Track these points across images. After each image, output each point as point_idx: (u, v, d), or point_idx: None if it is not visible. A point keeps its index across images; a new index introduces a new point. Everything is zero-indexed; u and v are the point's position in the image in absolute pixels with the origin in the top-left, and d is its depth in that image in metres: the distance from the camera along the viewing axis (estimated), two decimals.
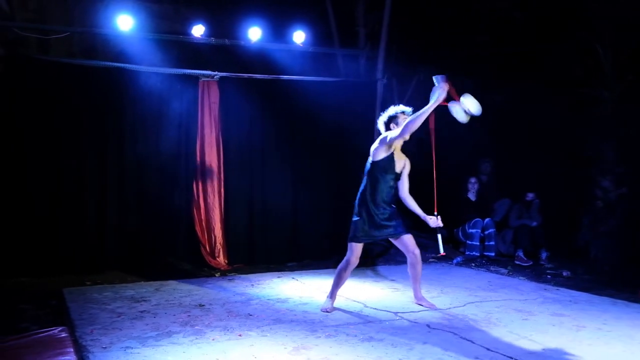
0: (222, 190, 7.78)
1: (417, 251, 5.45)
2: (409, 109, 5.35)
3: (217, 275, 7.21)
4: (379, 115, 5.56)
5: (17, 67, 6.92)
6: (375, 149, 5.30)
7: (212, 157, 7.73)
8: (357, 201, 5.41)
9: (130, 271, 7.06)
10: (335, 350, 4.29)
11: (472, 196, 9.03)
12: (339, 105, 8.25)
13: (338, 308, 5.49)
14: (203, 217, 7.66)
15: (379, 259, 8.13)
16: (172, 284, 6.54)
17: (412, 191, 5.50)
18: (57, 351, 4.00)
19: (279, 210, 8.06)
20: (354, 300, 5.82)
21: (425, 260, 5.64)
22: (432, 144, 5.44)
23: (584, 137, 8.43)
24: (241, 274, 7.22)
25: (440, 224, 5.45)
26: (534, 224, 8.53)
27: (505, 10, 8.73)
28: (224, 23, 8.18)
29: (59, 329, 4.48)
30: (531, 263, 8.14)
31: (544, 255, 8.30)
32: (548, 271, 7.70)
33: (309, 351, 4.27)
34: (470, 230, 8.62)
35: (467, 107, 5.06)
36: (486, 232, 8.60)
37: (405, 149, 5.47)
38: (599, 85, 8.13)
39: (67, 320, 5.05)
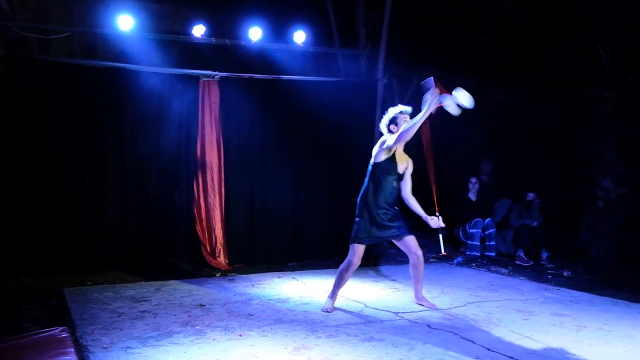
0: (223, 190, 7.77)
1: (420, 252, 5.45)
2: (407, 109, 5.36)
3: (217, 275, 7.21)
4: (380, 115, 5.58)
5: (17, 67, 6.93)
6: (377, 152, 5.32)
7: (212, 157, 7.73)
8: (358, 203, 5.40)
9: (131, 271, 7.06)
10: (336, 350, 4.29)
11: (472, 196, 9.03)
12: (339, 105, 8.25)
13: (339, 308, 5.49)
14: (203, 217, 7.66)
15: (380, 259, 8.12)
16: (173, 284, 6.54)
17: (413, 191, 5.51)
18: (57, 351, 4.00)
19: (280, 210, 8.07)
20: (355, 300, 5.82)
21: (425, 260, 5.64)
22: (427, 154, 5.44)
23: (584, 137, 8.43)
24: (242, 274, 7.23)
25: (442, 225, 5.46)
26: (535, 224, 8.53)
27: (506, 10, 8.74)
28: (225, 23, 8.18)
29: (60, 329, 4.49)
30: (532, 263, 8.14)
31: (544, 255, 8.30)
32: (549, 271, 7.70)
33: (309, 351, 4.27)
34: (471, 230, 8.62)
35: (460, 101, 5.03)
36: (487, 232, 8.60)
37: (406, 149, 5.48)
38: (599, 85, 8.13)
39: (68, 320, 5.06)
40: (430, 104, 4.94)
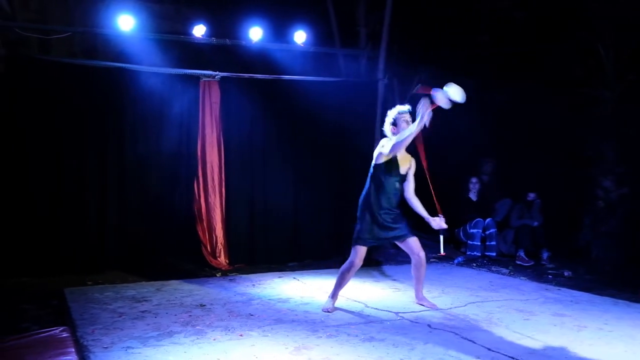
0: (223, 190, 7.77)
1: (422, 254, 5.45)
2: (405, 108, 5.35)
3: (218, 275, 7.21)
4: (380, 115, 5.58)
5: (18, 67, 6.93)
6: (377, 154, 5.31)
7: (213, 157, 7.73)
8: (360, 204, 5.39)
9: (131, 271, 7.06)
10: (337, 350, 4.29)
11: (473, 196, 9.03)
12: (340, 105, 8.25)
13: (339, 308, 5.49)
14: (204, 217, 7.66)
15: (380, 259, 8.12)
16: (173, 284, 6.54)
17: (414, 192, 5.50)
18: (58, 351, 4.00)
19: (280, 210, 8.07)
20: (355, 300, 5.82)
21: (426, 260, 5.63)
22: (421, 154, 5.43)
23: (585, 137, 8.43)
24: (242, 274, 7.22)
25: (444, 226, 5.42)
26: (535, 224, 8.52)
27: (506, 10, 8.74)
28: (225, 23, 8.18)
29: (60, 328, 4.49)
30: (532, 263, 8.14)
31: (545, 255, 8.30)
32: (549, 271, 7.70)
33: (310, 351, 4.27)
34: (472, 230, 8.62)
35: (451, 96, 5.02)
36: (487, 232, 8.60)
37: (407, 149, 5.45)
38: (600, 85, 8.13)
39: (68, 320, 5.06)
40: (422, 116, 4.91)
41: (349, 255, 5.41)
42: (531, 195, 8.71)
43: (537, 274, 7.58)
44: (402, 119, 5.30)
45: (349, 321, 5.09)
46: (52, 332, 4.41)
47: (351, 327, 4.90)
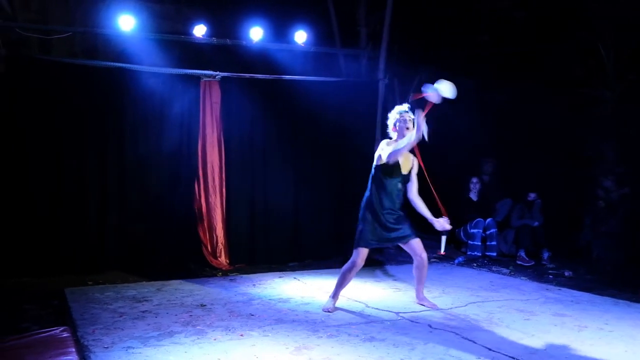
0: (224, 190, 7.78)
1: (425, 255, 5.43)
2: (404, 107, 5.34)
3: (218, 275, 7.21)
4: (381, 115, 5.58)
5: (18, 67, 6.92)
6: (378, 155, 5.31)
7: (213, 157, 7.73)
8: (363, 205, 5.38)
9: (132, 271, 7.06)
10: (337, 350, 4.29)
11: (473, 196, 9.03)
12: (340, 105, 8.25)
13: (340, 308, 5.49)
14: (204, 217, 7.66)
15: (380, 258, 8.11)
16: (174, 283, 6.54)
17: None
18: (58, 351, 4.00)
19: (281, 210, 8.06)
20: (356, 300, 5.82)
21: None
22: (421, 165, 5.44)
23: (585, 137, 8.43)
24: (243, 274, 7.22)
25: (448, 227, 5.37)
26: (536, 224, 8.52)
27: (506, 10, 8.75)
28: (226, 23, 8.18)
29: (61, 328, 4.49)
30: (533, 263, 8.14)
31: (545, 255, 8.30)
32: (550, 271, 7.70)
33: (310, 351, 4.28)
34: (472, 230, 8.62)
35: (442, 93, 5.02)
36: (488, 232, 8.60)
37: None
38: (600, 85, 8.13)
39: (69, 320, 5.06)
40: (418, 128, 4.90)
41: (349, 255, 5.41)
42: (532, 195, 8.71)
43: (538, 274, 7.58)
44: (402, 119, 5.29)
45: (350, 321, 5.09)
46: (53, 332, 4.41)
47: (352, 327, 4.90)
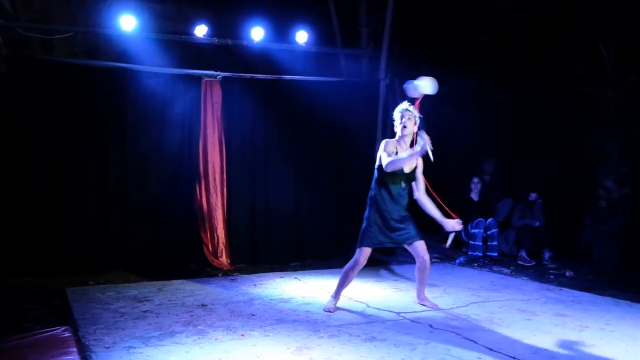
0: (225, 190, 7.78)
1: (427, 257, 5.40)
2: (403, 106, 5.32)
3: (219, 275, 7.22)
4: (382, 115, 5.56)
5: (20, 67, 6.93)
6: (379, 156, 5.29)
7: (214, 157, 7.74)
8: (368, 205, 5.35)
9: (133, 271, 7.07)
10: (338, 350, 4.29)
11: (474, 196, 9.02)
12: (341, 105, 8.25)
13: (341, 308, 5.49)
14: (206, 216, 7.67)
15: (382, 258, 8.11)
16: (175, 283, 6.54)
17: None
18: (60, 351, 4.01)
19: (282, 210, 8.06)
20: (357, 300, 5.82)
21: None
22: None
23: (586, 137, 8.42)
24: (244, 273, 7.23)
25: (459, 228, 5.30)
26: (537, 224, 8.52)
27: (507, 10, 8.74)
28: (227, 23, 8.18)
29: (62, 328, 4.50)
30: (534, 263, 8.13)
31: (546, 255, 8.29)
32: (551, 271, 7.70)
33: (311, 351, 4.28)
34: (473, 231, 8.62)
35: (422, 90, 5.01)
36: (489, 232, 8.60)
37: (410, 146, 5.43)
38: (602, 85, 8.12)
39: (70, 320, 5.06)
40: (422, 148, 4.90)
41: (351, 255, 5.41)
42: (533, 195, 8.70)
43: (539, 274, 7.58)
44: (402, 118, 5.27)
45: (351, 321, 5.09)
46: (54, 331, 4.42)
47: (353, 327, 4.90)
